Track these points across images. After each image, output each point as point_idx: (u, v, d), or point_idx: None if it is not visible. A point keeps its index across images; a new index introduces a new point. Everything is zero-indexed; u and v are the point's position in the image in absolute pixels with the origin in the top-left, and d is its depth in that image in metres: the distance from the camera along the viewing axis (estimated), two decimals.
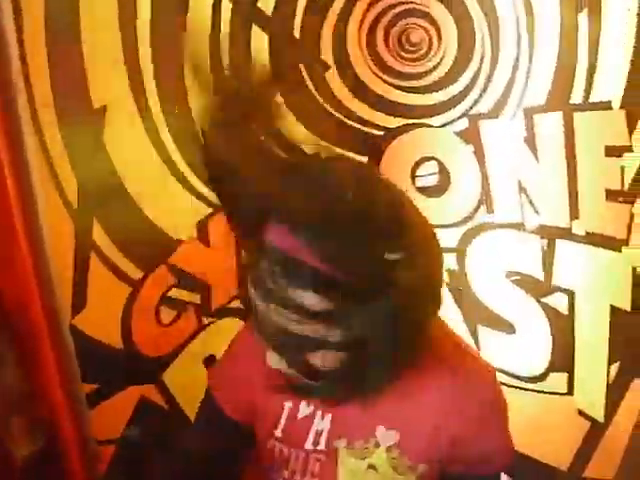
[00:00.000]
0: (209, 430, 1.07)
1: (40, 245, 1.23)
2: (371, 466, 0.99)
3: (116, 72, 1.24)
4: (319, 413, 1.00)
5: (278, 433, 1.01)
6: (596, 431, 1.37)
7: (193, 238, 1.40)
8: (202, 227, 1.39)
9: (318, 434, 1.00)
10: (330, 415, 0.99)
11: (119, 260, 1.34)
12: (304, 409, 1.00)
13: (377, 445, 0.98)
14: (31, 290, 1.22)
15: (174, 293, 1.43)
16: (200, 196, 1.35)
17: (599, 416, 1.36)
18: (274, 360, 0.84)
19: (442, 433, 0.94)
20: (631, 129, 1.20)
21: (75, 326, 1.32)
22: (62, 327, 1.28)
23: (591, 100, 1.24)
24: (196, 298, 1.44)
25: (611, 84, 1.20)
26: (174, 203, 1.35)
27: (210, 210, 1.35)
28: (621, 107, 1.20)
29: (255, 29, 1.33)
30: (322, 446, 1.00)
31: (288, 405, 1.01)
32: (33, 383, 1.22)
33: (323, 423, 0.99)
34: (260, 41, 1.34)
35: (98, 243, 1.31)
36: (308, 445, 1.00)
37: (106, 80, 1.24)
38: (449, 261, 1.53)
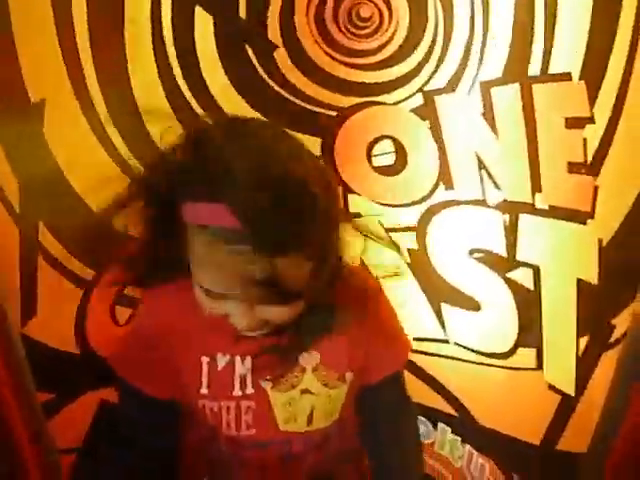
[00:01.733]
0: (144, 421, 1.06)
1: None
2: (304, 391, 1.04)
3: (53, 62, 1.16)
4: (238, 359, 1.01)
5: (204, 390, 1.03)
6: (567, 405, 1.37)
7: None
8: None
9: (242, 379, 1.02)
10: (249, 357, 1.01)
11: (68, 261, 1.28)
12: (221, 359, 1.02)
13: (303, 370, 1.04)
14: None
15: (130, 290, 1.37)
16: None
17: (570, 390, 1.35)
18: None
19: (355, 343, 1.06)
20: (592, 100, 1.17)
21: (26, 334, 1.25)
22: (12, 336, 1.21)
23: (550, 71, 1.20)
24: None
25: (570, 54, 1.17)
26: None
27: None
28: (581, 78, 1.17)
29: (199, 10, 1.27)
30: (250, 389, 1.03)
31: (205, 360, 1.02)
32: None
33: (244, 367, 1.02)
34: (204, 23, 1.27)
35: (45, 245, 1.24)
36: (236, 392, 1.03)
37: (43, 72, 1.16)
38: (409, 240, 1.51)
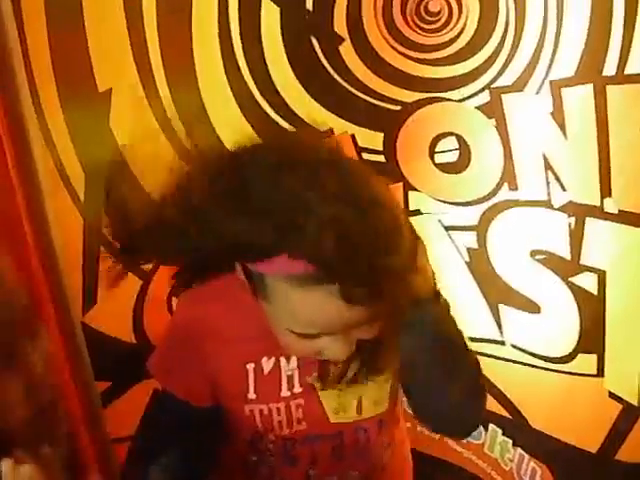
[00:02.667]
0: (180, 428, 1.04)
1: (49, 244, 1.17)
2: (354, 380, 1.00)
3: (121, 53, 1.16)
4: (282, 359, 0.99)
5: (252, 395, 1.00)
6: (630, 414, 1.33)
7: None
8: None
9: (290, 378, 1.00)
10: (293, 357, 0.99)
11: None
12: (267, 363, 0.99)
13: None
14: (41, 291, 1.16)
15: None
16: None
17: (633, 399, 1.31)
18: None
19: None
20: None
21: (86, 323, 1.26)
22: (74, 326, 1.22)
23: (626, 72, 1.16)
24: None
25: None
26: None
27: None
28: None
29: (266, 2, 1.25)
30: (298, 388, 1.00)
31: (250, 366, 0.99)
32: None
33: (290, 365, 0.99)
34: (271, 15, 1.26)
35: (106, 235, 1.24)
36: (284, 392, 1.00)
37: (111, 62, 1.16)
38: (469, 239, 1.49)
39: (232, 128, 1.26)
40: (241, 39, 1.25)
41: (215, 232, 0.75)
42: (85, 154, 1.18)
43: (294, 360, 1.00)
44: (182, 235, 0.77)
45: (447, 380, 0.95)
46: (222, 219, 0.73)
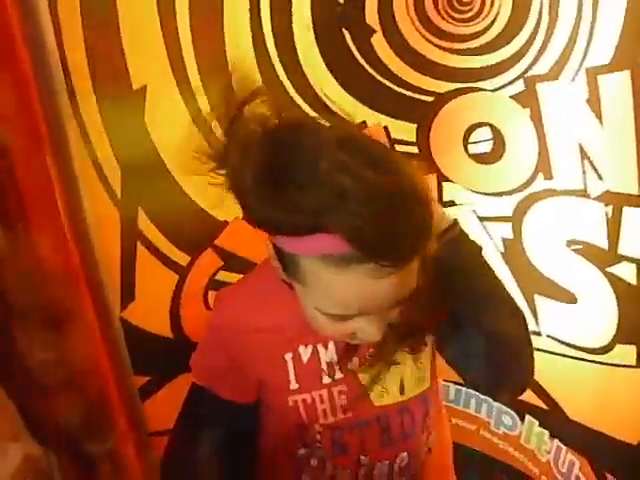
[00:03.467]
0: (225, 427, 1.06)
1: (86, 240, 1.17)
2: (392, 362, 1.00)
3: (155, 50, 1.17)
4: (320, 347, 1.00)
5: (294, 386, 1.01)
6: None
7: (239, 218, 1.34)
8: None
9: (330, 365, 1.00)
10: (331, 342, 0.99)
11: (166, 247, 1.29)
12: (305, 351, 0.99)
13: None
14: (80, 287, 1.17)
15: (222, 276, 1.38)
16: None
17: None
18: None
19: None
20: None
21: (124, 318, 1.27)
22: (113, 321, 1.23)
23: None
24: None
25: None
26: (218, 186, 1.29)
27: None
28: None
29: None
30: (339, 374, 1.00)
31: (289, 356, 1.00)
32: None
33: (329, 352, 0.99)
34: (303, 7, 1.26)
35: (144, 231, 1.25)
36: (326, 380, 1.01)
37: (145, 59, 1.16)
38: (504, 230, 1.48)
39: None
40: (273, 33, 1.25)
41: (256, 207, 0.75)
42: (121, 150, 1.19)
43: (332, 346, 0.99)
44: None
45: (486, 308, 0.94)
46: (264, 195, 0.73)
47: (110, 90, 1.16)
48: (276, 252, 0.83)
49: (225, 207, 1.31)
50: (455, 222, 0.93)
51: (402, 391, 1.05)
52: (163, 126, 1.20)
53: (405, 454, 1.10)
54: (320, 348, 1.00)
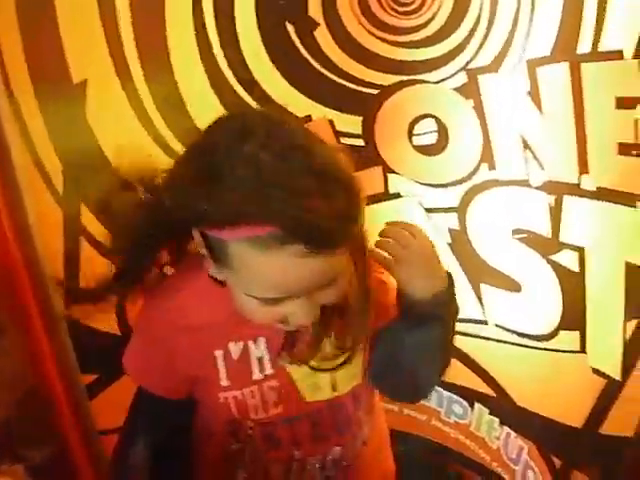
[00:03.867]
0: (159, 423, 1.05)
1: (29, 238, 1.15)
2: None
3: (95, 43, 1.15)
4: (250, 343, 0.99)
5: (224, 382, 0.99)
6: (612, 389, 1.35)
7: None
8: None
9: (260, 361, 0.99)
10: (261, 338, 0.98)
11: None
12: (235, 348, 0.98)
13: None
14: (23, 286, 1.15)
15: (169, 272, 1.37)
16: None
17: (616, 374, 1.33)
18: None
19: None
20: None
21: (70, 316, 1.25)
22: (57, 320, 1.21)
23: (600, 49, 1.17)
24: None
25: (623, 31, 1.14)
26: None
27: None
28: (634, 57, 1.13)
29: None
30: (269, 370, 0.99)
31: (219, 353, 0.98)
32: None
33: (259, 349, 0.98)
34: (246, 1, 1.25)
35: (88, 227, 1.23)
36: (257, 376, 1.00)
37: (85, 53, 1.14)
38: (450, 221, 1.49)
39: (209, 116, 1.26)
40: (216, 26, 1.24)
41: (185, 202, 0.77)
42: (62, 147, 1.17)
43: (262, 342, 0.99)
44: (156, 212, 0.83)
45: (425, 366, 1.00)
46: (191, 190, 0.76)
47: (49, 86, 1.14)
48: (204, 241, 0.83)
49: None
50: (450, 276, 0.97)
51: (334, 388, 1.05)
52: (105, 120, 1.18)
53: (338, 448, 1.10)
54: (250, 344, 0.99)
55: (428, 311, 0.93)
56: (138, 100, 1.20)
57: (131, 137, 1.22)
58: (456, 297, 0.98)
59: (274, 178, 0.72)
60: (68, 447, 1.23)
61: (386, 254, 0.94)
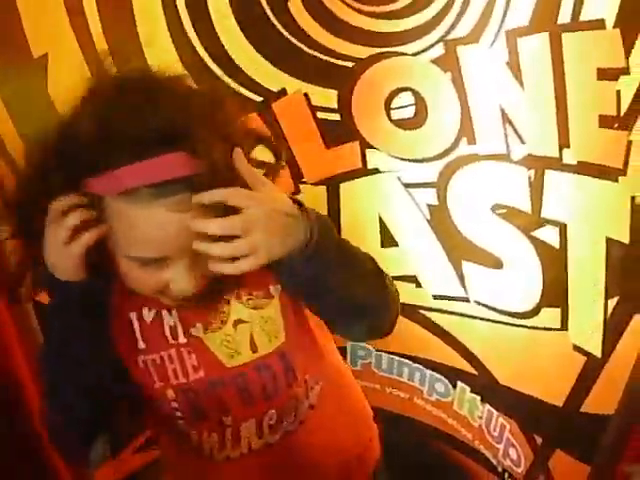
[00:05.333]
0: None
1: None
2: (236, 322, 1.03)
3: (55, 15, 1.10)
4: (164, 312, 1.01)
5: (141, 345, 1.01)
6: (593, 366, 1.33)
7: None
8: None
9: (172, 329, 1.01)
10: (174, 310, 1.01)
11: None
12: (148, 314, 1.00)
13: (227, 302, 1.03)
14: None
15: None
16: None
17: (596, 351, 1.31)
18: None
19: None
20: (627, 49, 1.09)
21: (39, 301, 1.21)
22: (24, 305, 1.17)
23: (581, 19, 1.13)
24: None
25: (604, 0, 1.10)
26: None
27: None
28: (615, 26, 1.09)
29: None
30: (183, 339, 1.01)
31: (134, 315, 1.00)
32: None
33: (172, 318, 1.01)
34: None
35: None
36: (171, 341, 1.01)
37: (44, 26, 1.10)
38: (429, 196, 1.46)
39: None
40: None
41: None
42: (23, 122, 1.12)
43: (175, 312, 1.00)
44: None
45: (346, 290, 0.95)
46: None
47: (8, 60, 1.09)
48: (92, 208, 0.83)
49: None
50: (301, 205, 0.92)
51: (254, 349, 1.04)
52: (68, 95, 1.14)
53: (273, 411, 1.08)
54: (164, 312, 1.00)
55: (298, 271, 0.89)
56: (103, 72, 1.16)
57: None
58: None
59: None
60: (36, 431, 1.20)
61: None
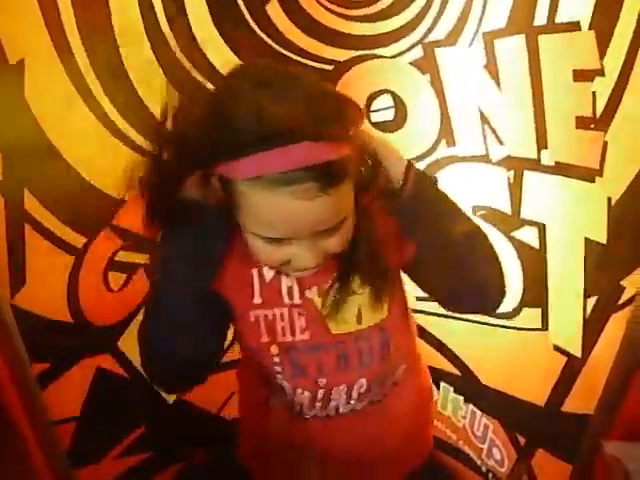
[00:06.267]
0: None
1: None
2: (350, 292, 1.04)
3: (31, 21, 1.10)
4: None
5: (257, 300, 1.05)
6: (573, 366, 1.34)
7: (137, 195, 1.30)
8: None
9: (289, 290, 1.05)
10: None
11: (58, 228, 1.23)
12: (268, 272, 1.04)
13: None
14: None
15: (122, 256, 1.34)
16: (138, 149, 1.23)
17: (576, 351, 1.32)
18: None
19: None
20: (602, 51, 1.10)
21: (17, 305, 1.21)
22: (2, 309, 1.17)
23: (557, 21, 1.14)
24: (145, 258, 1.35)
25: (579, 2, 1.10)
26: (110, 159, 1.23)
27: None
28: (590, 27, 1.10)
29: None
30: (297, 300, 1.05)
31: (255, 272, 1.04)
32: None
33: (290, 279, 1.04)
34: None
35: (32, 213, 1.19)
36: (286, 301, 1.05)
37: (20, 31, 1.09)
38: None
39: (154, 89, 1.22)
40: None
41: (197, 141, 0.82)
42: (1, 130, 1.12)
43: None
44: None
45: (455, 252, 1.01)
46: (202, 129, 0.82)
47: None
48: (221, 185, 0.86)
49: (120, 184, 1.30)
50: (410, 163, 0.98)
51: (359, 320, 1.08)
52: (45, 101, 1.14)
53: (364, 380, 1.12)
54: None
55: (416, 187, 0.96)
56: (79, 77, 1.16)
57: (73, 115, 1.18)
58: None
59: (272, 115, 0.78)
60: (19, 437, 1.20)
61: None
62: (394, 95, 1.38)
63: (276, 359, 1.09)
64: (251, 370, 1.17)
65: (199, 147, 0.82)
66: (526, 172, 1.30)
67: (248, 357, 1.16)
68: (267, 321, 1.06)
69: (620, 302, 1.22)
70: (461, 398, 1.66)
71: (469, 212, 1.39)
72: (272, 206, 0.82)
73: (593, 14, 1.09)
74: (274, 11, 1.29)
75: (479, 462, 1.68)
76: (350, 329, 1.08)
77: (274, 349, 1.08)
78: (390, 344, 1.12)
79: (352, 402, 1.15)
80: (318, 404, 1.15)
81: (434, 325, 1.59)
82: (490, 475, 1.65)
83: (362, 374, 1.12)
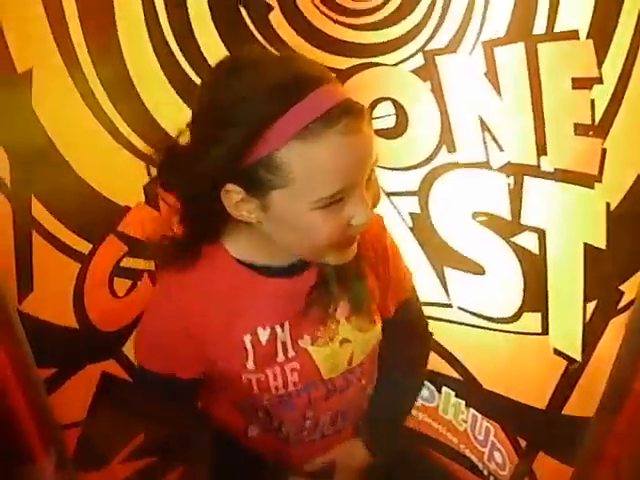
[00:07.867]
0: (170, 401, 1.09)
1: None
2: (343, 341, 1.12)
3: (39, 31, 1.11)
4: (277, 327, 1.06)
5: (250, 366, 1.06)
6: (574, 369, 1.35)
7: (141, 203, 1.32)
8: (150, 190, 1.31)
9: (284, 345, 1.07)
10: (287, 322, 1.07)
11: (64, 235, 1.24)
12: (263, 333, 1.05)
13: (337, 322, 1.11)
14: None
15: (127, 262, 1.35)
16: (143, 156, 1.24)
17: (576, 355, 1.33)
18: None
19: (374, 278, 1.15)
20: (600, 59, 1.12)
21: (24, 311, 1.22)
22: (10, 315, 1.18)
23: (556, 30, 1.15)
24: (151, 265, 1.36)
25: (577, 11, 1.12)
26: (116, 167, 1.25)
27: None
28: (589, 36, 1.12)
29: None
30: (292, 352, 1.07)
31: (248, 338, 1.05)
32: None
33: (284, 333, 1.06)
34: None
35: (39, 220, 1.20)
36: (280, 358, 1.07)
37: (29, 41, 1.11)
38: (411, 204, 1.49)
39: (160, 101, 1.24)
40: (166, 9, 1.21)
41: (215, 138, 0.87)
42: (9, 138, 1.13)
43: (286, 325, 1.06)
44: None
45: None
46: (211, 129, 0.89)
47: None
48: (248, 188, 0.90)
49: (126, 192, 1.31)
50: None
51: (350, 362, 1.15)
52: (53, 109, 1.15)
53: (346, 404, 1.20)
54: (277, 328, 1.06)
55: None
56: (86, 86, 1.17)
57: (80, 124, 1.19)
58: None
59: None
60: (27, 442, 1.21)
61: None
62: (395, 102, 1.39)
63: (266, 402, 1.13)
64: (222, 400, 1.20)
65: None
66: (526, 178, 1.31)
67: (221, 388, 1.18)
68: (260, 382, 1.08)
69: (619, 307, 1.24)
70: (462, 402, 1.67)
71: (469, 218, 1.41)
72: (328, 149, 0.84)
73: (591, 23, 1.11)
74: (277, 20, 1.30)
75: (481, 466, 1.70)
76: (341, 371, 1.15)
77: (266, 397, 1.12)
78: (367, 373, 1.23)
79: (337, 425, 1.22)
80: (305, 432, 1.20)
81: (435, 330, 1.59)
82: (492, 478, 1.66)
83: (344, 399, 1.19)
